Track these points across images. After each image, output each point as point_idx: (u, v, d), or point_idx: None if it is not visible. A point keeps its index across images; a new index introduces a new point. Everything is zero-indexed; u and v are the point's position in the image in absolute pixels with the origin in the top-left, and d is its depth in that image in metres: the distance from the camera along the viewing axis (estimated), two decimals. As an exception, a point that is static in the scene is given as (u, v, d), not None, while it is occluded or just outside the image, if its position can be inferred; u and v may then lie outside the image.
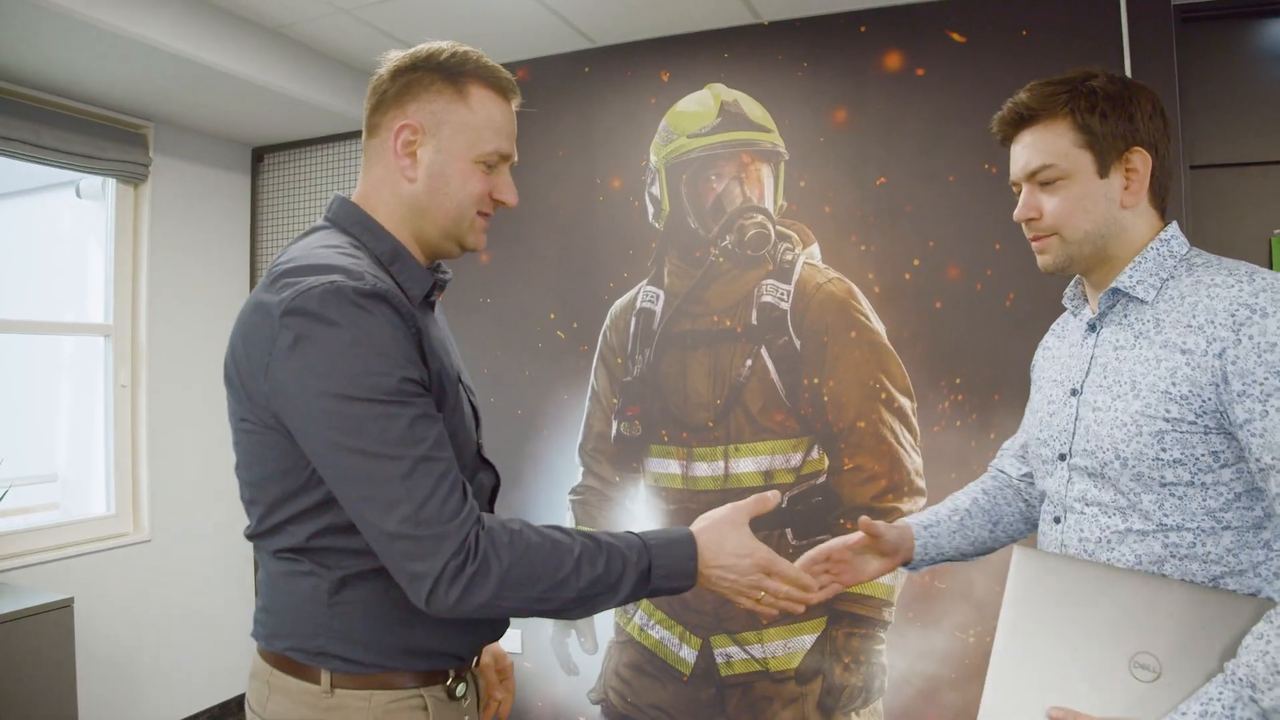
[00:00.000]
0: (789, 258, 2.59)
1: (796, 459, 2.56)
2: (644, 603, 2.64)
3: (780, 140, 2.63)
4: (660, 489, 2.74)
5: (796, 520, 2.59)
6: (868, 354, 2.49)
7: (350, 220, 1.11)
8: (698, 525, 1.10)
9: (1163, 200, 1.14)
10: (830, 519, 2.53)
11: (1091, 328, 1.17)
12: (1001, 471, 1.45)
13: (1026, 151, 1.17)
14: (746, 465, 2.61)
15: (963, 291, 2.47)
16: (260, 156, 3.64)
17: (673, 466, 2.71)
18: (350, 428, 0.92)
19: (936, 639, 2.46)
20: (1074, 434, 1.14)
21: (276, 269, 1.02)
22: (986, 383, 2.44)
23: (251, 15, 2.63)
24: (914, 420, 2.49)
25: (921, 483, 2.50)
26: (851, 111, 2.61)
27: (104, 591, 2.91)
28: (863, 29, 2.59)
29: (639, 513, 2.80)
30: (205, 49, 2.57)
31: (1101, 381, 1.12)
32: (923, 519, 1.39)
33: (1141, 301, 1.12)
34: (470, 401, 1.13)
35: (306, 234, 1.12)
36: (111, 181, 3.10)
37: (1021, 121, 1.18)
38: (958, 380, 2.47)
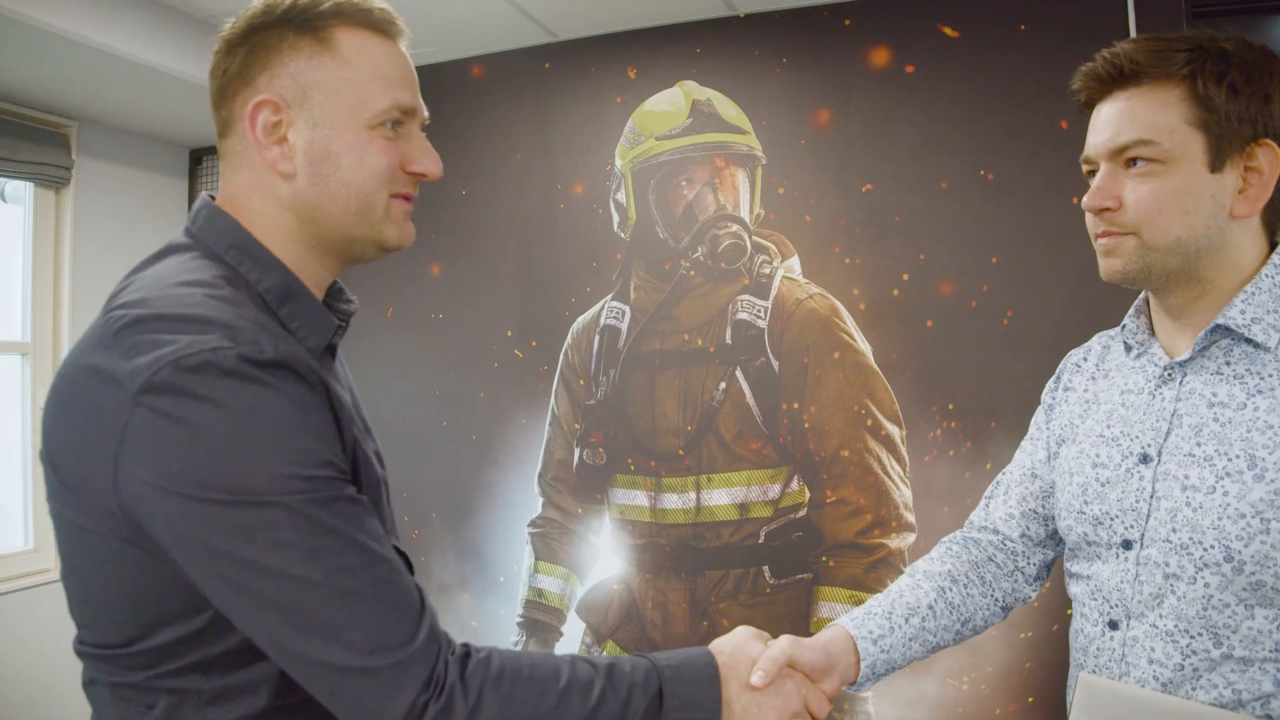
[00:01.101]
0: (766, 271, 2.47)
1: (774, 491, 2.44)
2: (610, 644, 2.56)
3: (757, 143, 2.52)
4: (626, 522, 2.61)
5: (774, 558, 2.46)
6: (852, 377, 2.37)
7: (224, 241, 0.88)
8: (718, 645, 0.91)
9: (1276, 216, 0.90)
10: (811, 557, 2.40)
11: (1169, 374, 0.94)
12: (993, 532, 1.19)
13: (1119, 120, 0.92)
14: (720, 497, 2.48)
15: (956, 309, 2.38)
16: (199, 159, 3.48)
17: (639, 498, 2.59)
18: (257, 540, 0.71)
19: (928, 686, 2.34)
20: (1149, 516, 0.92)
21: (119, 314, 0.78)
22: (982, 409, 2.34)
23: (183, 6, 2.51)
24: (903, 449, 2.37)
25: (911, 517, 2.38)
26: (835, 112, 2.51)
27: (21, 635, 2.73)
28: (847, 22, 2.50)
29: (603, 547, 2.68)
30: (133, 42, 2.43)
31: (1194, 450, 0.89)
32: (870, 628, 1.08)
33: (1258, 346, 0.89)
34: (379, 472, 0.90)
35: (159, 255, 0.89)
36: (30, 186, 2.87)
37: (1119, 79, 0.92)
38: (951, 406, 2.37)
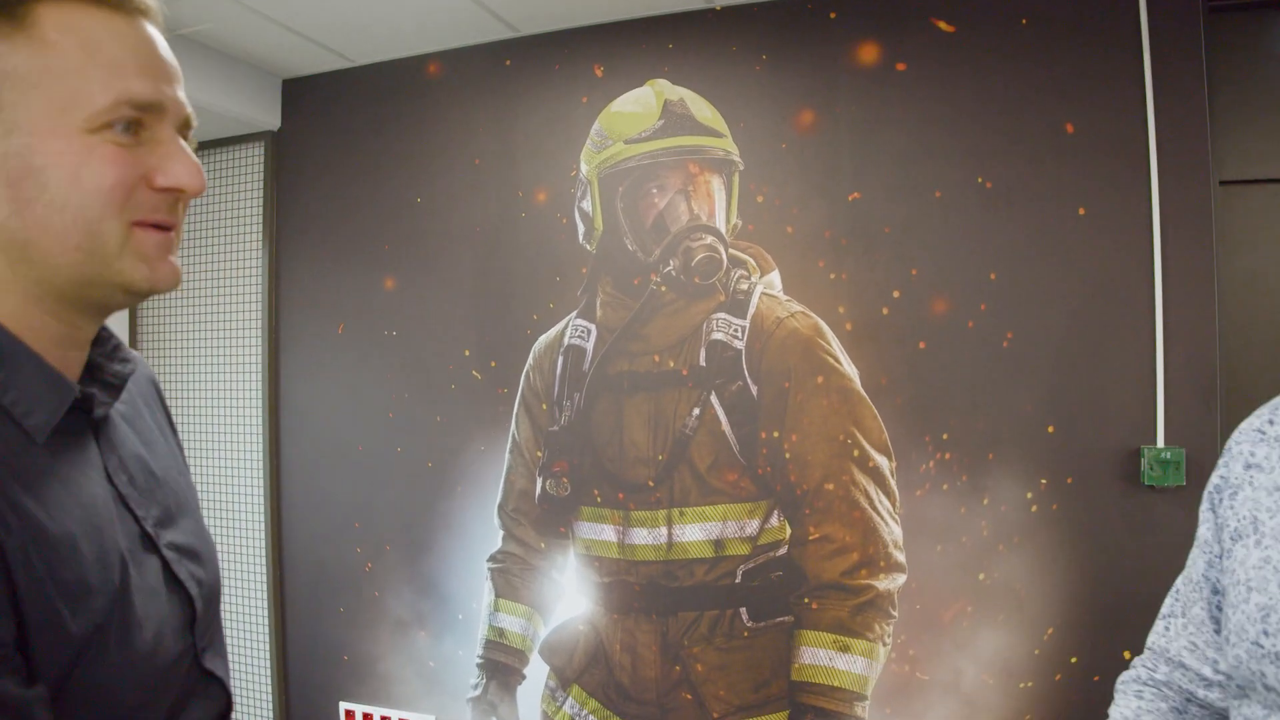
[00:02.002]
0: (744, 287, 2.35)
1: (753, 526, 2.32)
2: (575, 689, 2.45)
3: (734, 147, 2.41)
4: (592, 558, 2.49)
5: (752, 598, 2.34)
6: (837, 403, 2.26)
7: None
8: None
9: None
10: (792, 598, 2.29)
11: None
12: (1179, 666, 0.94)
13: None
14: (693, 533, 2.36)
15: (951, 329, 2.30)
16: None
17: (607, 532, 2.47)
18: None
19: (922, 739, 2.18)
20: None
21: None
22: (980, 439, 2.26)
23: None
24: (892, 483, 2.27)
25: (901, 556, 2.27)
26: (819, 114, 2.44)
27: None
28: (833, 15, 2.41)
29: (568, 584, 2.55)
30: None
31: None
32: None
33: None
34: (174, 569, 0.69)
35: None
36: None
37: None
38: (945, 436, 2.29)
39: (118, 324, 3.25)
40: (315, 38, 2.71)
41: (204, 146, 3.25)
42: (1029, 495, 2.19)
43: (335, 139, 2.98)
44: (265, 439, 3.06)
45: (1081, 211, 2.17)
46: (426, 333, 2.88)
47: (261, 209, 3.08)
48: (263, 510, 3.08)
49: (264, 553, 3.07)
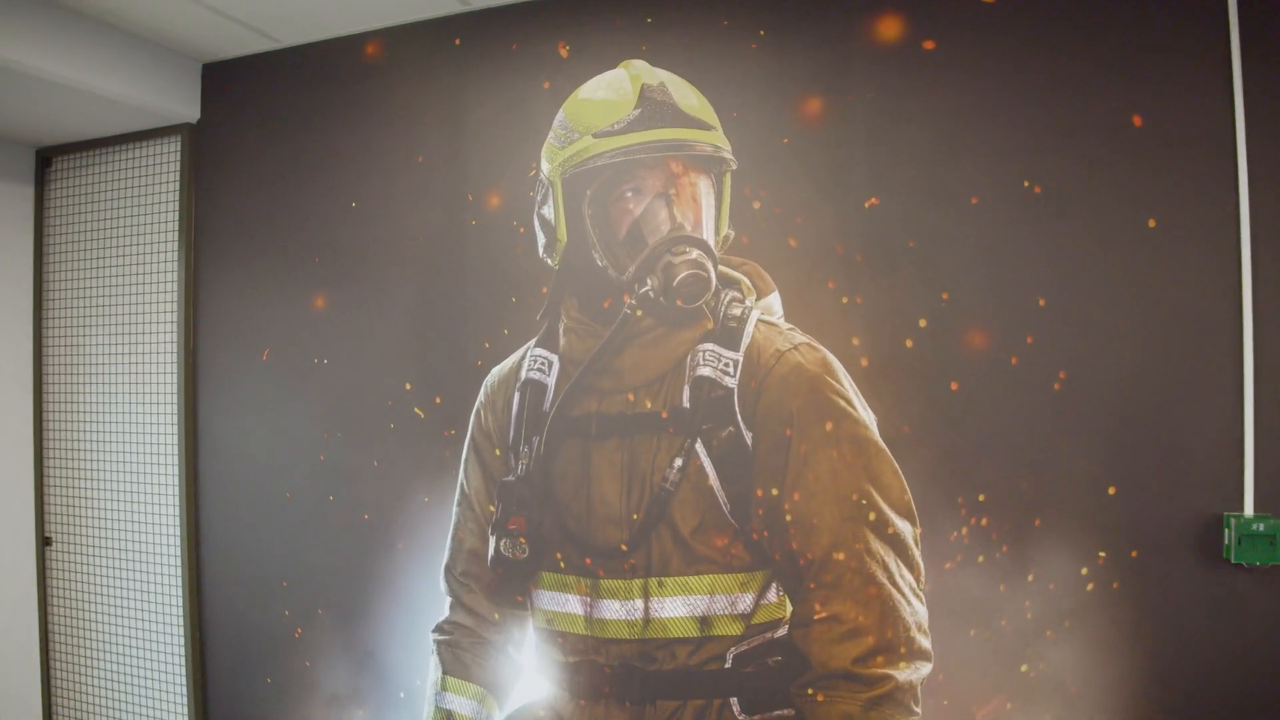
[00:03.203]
0: (737, 313, 2.15)
1: (746, 602, 2.12)
2: None
3: (726, 141, 2.17)
4: (555, 633, 2.29)
5: (745, 687, 2.14)
6: (850, 455, 2.04)
7: None
8: None
9: None
10: (794, 688, 2.09)
11: None
12: None
13: None
14: (675, 608, 2.15)
15: (990, 367, 2.26)
16: (47, 160, 3.46)
17: (572, 604, 2.25)
18: None
19: None
20: None
21: None
22: (1024, 501, 2.21)
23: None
24: (916, 553, 2.06)
25: (926, 642, 2.05)
26: (829, 101, 2.39)
27: None
28: None
29: (526, 663, 2.42)
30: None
31: None
32: None
33: None
34: None
35: None
36: None
37: None
38: (981, 497, 2.24)
39: (20, 346, 3.34)
40: (237, 15, 2.66)
41: (112, 142, 3.28)
42: (1084, 571, 2.12)
43: (260, 133, 2.92)
44: (181, 483, 3.04)
45: (1152, 224, 2.09)
46: (362, 362, 2.87)
47: (177, 214, 3.03)
48: (179, 565, 3.06)
49: (181, 614, 3.04)
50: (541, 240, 2.28)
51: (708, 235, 2.15)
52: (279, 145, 2.97)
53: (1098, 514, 2.11)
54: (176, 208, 3.07)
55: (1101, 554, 2.10)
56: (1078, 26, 2.17)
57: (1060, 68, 2.19)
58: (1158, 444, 2.09)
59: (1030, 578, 2.17)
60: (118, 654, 3.25)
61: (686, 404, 2.11)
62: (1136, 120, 2.09)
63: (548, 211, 2.26)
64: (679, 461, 2.10)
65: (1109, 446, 2.11)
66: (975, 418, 2.27)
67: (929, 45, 2.31)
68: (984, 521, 2.23)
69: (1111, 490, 2.10)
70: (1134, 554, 2.08)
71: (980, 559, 2.23)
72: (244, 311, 3.02)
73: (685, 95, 2.18)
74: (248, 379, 3.02)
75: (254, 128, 3.01)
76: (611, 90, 2.21)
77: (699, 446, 2.10)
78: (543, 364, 2.33)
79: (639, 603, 2.17)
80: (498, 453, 2.38)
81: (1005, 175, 2.25)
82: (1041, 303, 2.20)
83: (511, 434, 2.34)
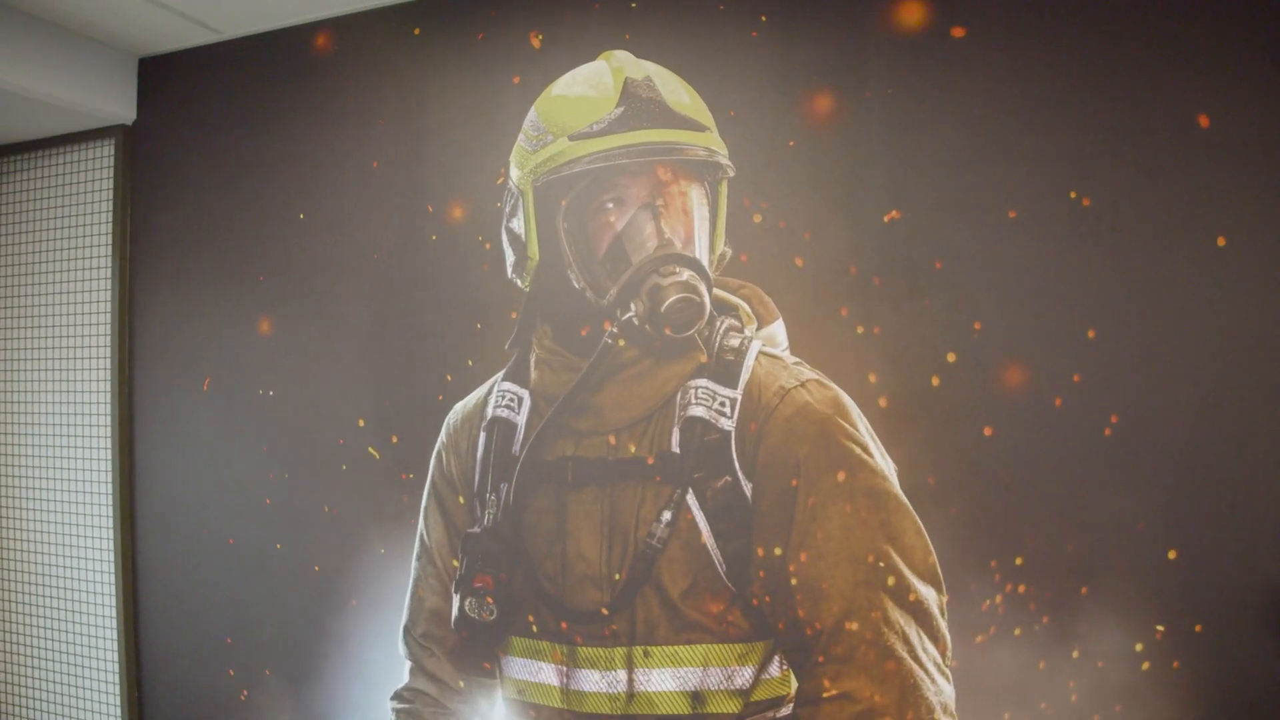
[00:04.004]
0: (734, 344, 2.01)
1: (745, 676, 1.98)
2: None
3: (722, 144, 2.04)
4: (527, 705, 2.18)
5: None
6: (865, 510, 1.89)
7: None
8: None
9: None
10: None
11: None
12: None
13: None
14: (663, 680, 2.03)
15: (1030, 409, 2.20)
16: None
17: (546, 673, 2.12)
18: None
19: None
20: None
21: None
22: (1068, 565, 2.15)
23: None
24: (942, 623, 1.91)
25: None
26: (842, 98, 2.34)
27: None
28: None
29: None
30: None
31: None
32: None
33: None
34: None
35: None
36: None
37: None
38: (1019, 560, 2.17)
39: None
40: (174, 4, 2.66)
41: (38, 147, 3.29)
42: (1139, 647, 2.04)
43: (201, 135, 2.93)
44: (116, 526, 3.03)
45: (1221, 242, 2.00)
46: (311, 395, 2.85)
47: (110, 227, 2.99)
48: (114, 618, 3.03)
49: (117, 673, 3.01)
50: (510, 258, 2.14)
51: (701, 253, 2.00)
52: (221, 149, 2.98)
53: (1155, 581, 2.04)
54: (110, 219, 3.04)
55: (1159, 628, 2.02)
56: (1133, 12, 2.10)
57: (1113, 59, 2.12)
58: (1226, 501, 2.02)
59: (1075, 654, 2.10)
60: (49, 718, 3.26)
61: (676, 449, 1.95)
62: (1203, 121, 2.01)
63: (517, 225, 2.10)
64: (667, 515, 1.93)
65: (1169, 503, 2.05)
66: (1012, 468, 2.21)
67: (958, 33, 2.25)
68: (1021, 588, 2.16)
69: (1171, 554, 2.02)
70: (1197, 628, 1.99)
71: (1017, 631, 2.16)
72: (184, 336, 3.03)
73: (675, 91, 2.03)
74: (187, 412, 2.99)
75: (194, 129, 3.02)
76: (590, 86, 2.05)
77: (690, 498, 1.94)
78: (512, 400, 2.18)
79: (622, 674, 2.02)
80: (461, 500, 2.24)
81: (1048, 185, 2.18)
82: (1091, 334, 2.14)
83: (477, 479, 2.19)
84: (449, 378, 2.70)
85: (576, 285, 2.00)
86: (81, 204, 3.17)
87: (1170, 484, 2.06)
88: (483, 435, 2.19)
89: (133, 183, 3.08)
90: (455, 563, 2.24)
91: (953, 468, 2.25)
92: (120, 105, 2.98)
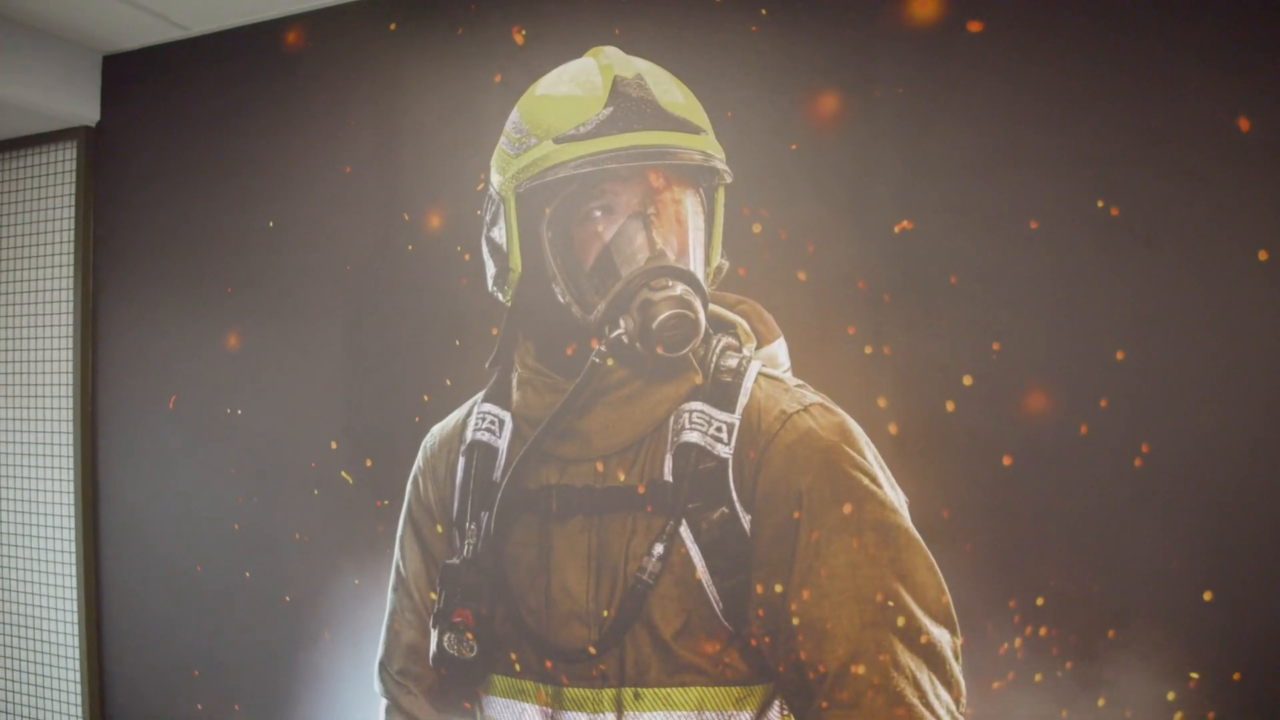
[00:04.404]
0: (731, 364, 1.96)
1: None
2: None
3: (718, 148, 1.99)
4: None
5: None
6: (874, 545, 1.85)
7: None
8: None
9: None
10: None
11: None
12: None
13: None
14: None
15: (1054, 437, 2.13)
16: None
17: (530, 715, 2.07)
18: None
19: None
20: None
21: None
22: (1094, 607, 2.08)
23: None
24: (956, 668, 1.84)
25: None
26: (848, 98, 2.29)
27: None
28: None
29: None
30: None
31: None
32: None
33: None
34: None
35: None
36: None
37: None
38: (1040, 601, 2.11)
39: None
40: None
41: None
42: (1171, 696, 1.98)
43: (167, 137, 2.93)
44: (78, 551, 3.00)
45: (1263, 256, 1.94)
46: (280, 414, 2.82)
47: (73, 235, 2.96)
48: (77, 650, 3.01)
49: (80, 706, 2.99)
50: (491, 270, 2.06)
51: (696, 266, 1.94)
52: (188, 152, 2.96)
53: (1189, 625, 1.98)
54: (72, 227, 3.02)
55: (1193, 675, 1.96)
56: (1167, 2, 2.05)
57: (1145, 56, 2.07)
58: (1267, 539, 1.96)
59: (1101, 702, 2.04)
60: (8, 755, 3.32)
61: (669, 477, 1.88)
62: (1243, 124, 1.95)
63: (498, 234, 2.04)
64: (659, 548, 1.86)
65: (1204, 540, 1.99)
66: (1033, 501, 2.15)
67: (975, 27, 2.19)
68: (1043, 631, 2.10)
69: (1207, 596, 1.96)
70: (1235, 676, 1.93)
71: (1038, 677, 2.10)
72: (149, 350, 3.01)
73: (668, 90, 1.96)
74: (153, 431, 2.96)
75: (160, 131, 3.00)
76: (577, 84, 1.99)
77: (684, 531, 1.86)
78: (492, 423, 2.09)
79: (610, 717, 1.95)
80: (439, 530, 2.18)
81: (1072, 192, 2.12)
82: (1119, 356, 2.08)
83: (455, 507, 2.12)
84: (426, 398, 2.67)
85: (562, 300, 1.93)
86: (42, 210, 3.14)
87: (1206, 519, 2.00)
88: (462, 460, 2.13)
89: (96, 188, 3.07)
90: (433, 595, 2.19)
91: (969, 500, 2.20)
92: (83, 105, 2.95)
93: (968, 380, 2.19)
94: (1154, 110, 2.06)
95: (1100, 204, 2.07)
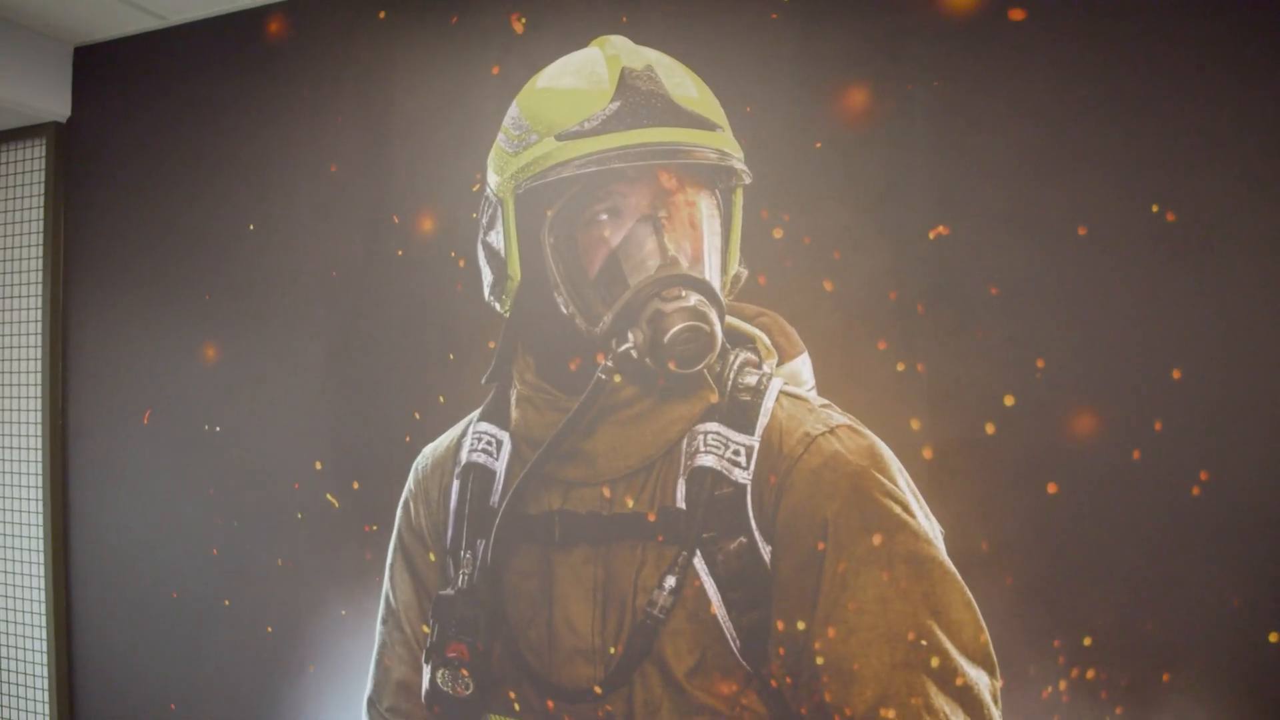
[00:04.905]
0: (750, 382, 1.90)
1: None
2: None
3: (737, 146, 1.93)
4: None
5: None
6: (906, 579, 1.81)
7: None
8: None
9: None
10: None
11: None
12: None
13: None
14: None
15: (1103, 463, 2.06)
16: None
17: None
18: None
19: None
20: None
21: None
22: (1147, 647, 2.01)
23: None
24: (994, 712, 1.80)
25: None
26: (879, 91, 2.23)
27: None
28: None
29: None
30: None
31: None
32: None
33: None
34: None
35: None
36: None
37: None
38: (1087, 641, 2.04)
39: None
40: None
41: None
42: None
43: (142, 133, 2.91)
44: (48, 575, 2.99)
45: None
46: (262, 432, 2.79)
47: (42, 237, 2.95)
48: (46, 682, 3.00)
49: None
50: (488, 277, 2.02)
51: (711, 274, 1.88)
52: (163, 149, 2.96)
53: (1252, 668, 1.91)
54: (41, 228, 3.01)
55: None
56: None
57: (1205, 47, 1.99)
58: None
59: None
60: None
61: (682, 504, 1.83)
62: None
63: (495, 239, 1.99)
64: (671, 580, 1.81)
65: (1268, 575, 1.94)
66: (1081, 533, 2.08)
67: (1017, 15, 2.12)
68: (1090, 674, 2.04)
69: (1273, 637, 1.90)
70: None
71: None
72: (122, 361, 3.01)
73: (681, 83, 1.91)
74: (126, 447, 2.95)
75: (134, 127, 3.00)
76: (581, 77, 1.94)
77: (699, 562, 1.81)
78: (489, 444, 2.05)
79: None
80: (432, 558, 2.13)
81: (1125, 196, 2.06)
82: (1176, 375, 2.02)
83: (450, 534, 2.08)
84: (417, 415, 2.64)
85: (565, 310, 1.88)
86: (9, 211, 3.15)
87: (1271, 553, 1.94)
88: (456, 483, 2.07)
89: (67, 186, 3.08)
90: (426, 629, 2.14)
91: (1010, 531, 2.14)
92: (53, 100, 2.96)
93: (1009, 400, 2.14)
94: (1215, 107, 2.00)
95: (1155, 209, 2.02)
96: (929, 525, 1.78)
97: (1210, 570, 1.98)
